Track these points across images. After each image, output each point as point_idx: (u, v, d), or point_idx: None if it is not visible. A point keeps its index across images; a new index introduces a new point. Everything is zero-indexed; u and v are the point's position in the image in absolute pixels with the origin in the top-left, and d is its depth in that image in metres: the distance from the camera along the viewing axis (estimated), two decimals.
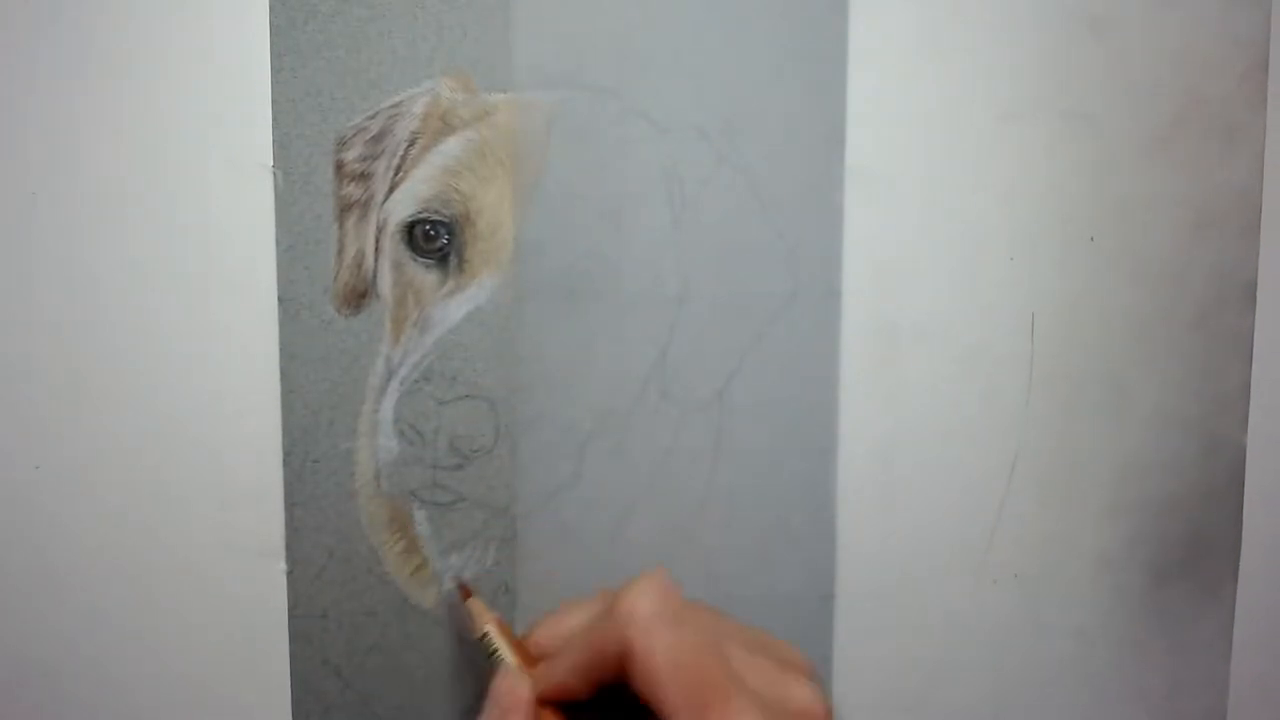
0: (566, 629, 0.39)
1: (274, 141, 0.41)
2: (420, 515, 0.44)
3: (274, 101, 0.41)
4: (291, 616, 0.43)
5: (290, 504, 0.43)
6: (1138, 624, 0.50)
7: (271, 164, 0.41)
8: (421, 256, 0.43)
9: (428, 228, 0.43)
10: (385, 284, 0.43)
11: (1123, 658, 0.50)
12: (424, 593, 0.44)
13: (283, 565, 0.43)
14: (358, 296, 0.42)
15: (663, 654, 0.34)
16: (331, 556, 0.43)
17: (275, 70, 0.41)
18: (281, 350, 0.42)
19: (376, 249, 0.42)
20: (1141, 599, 0.50)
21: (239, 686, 0.43)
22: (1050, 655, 0.49)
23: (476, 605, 0.42)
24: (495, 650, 0.40)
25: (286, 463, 0.42)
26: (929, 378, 0.47)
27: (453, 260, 0.43)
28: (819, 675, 0.39)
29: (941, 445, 0.48)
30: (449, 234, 0.43)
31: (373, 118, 0.42)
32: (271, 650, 0.43)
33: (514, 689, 0.38)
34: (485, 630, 0.40)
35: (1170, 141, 0.48)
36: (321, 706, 0.43)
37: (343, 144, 0.42)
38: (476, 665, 0.43)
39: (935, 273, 0.47)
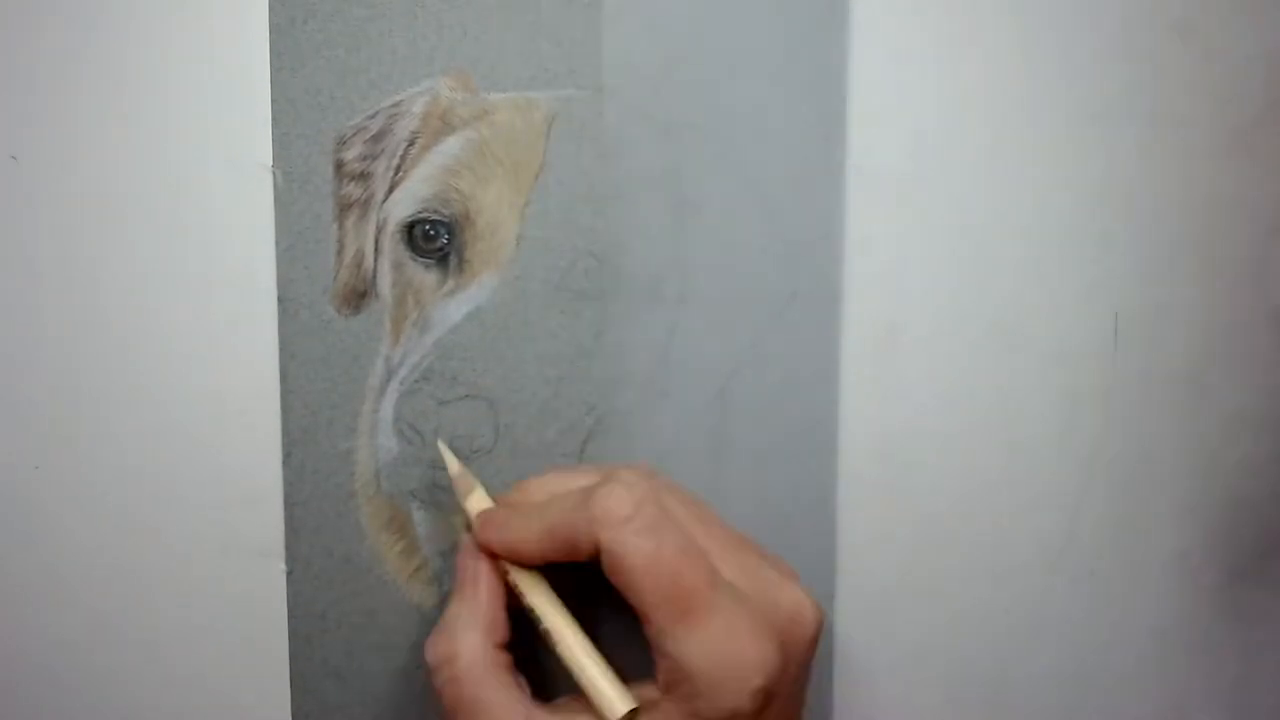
0: (546, 495, 0.39)
1: (273, 141, 0.41)
2: (420, 515, 0.43)
3: (273, 101, 0.41)
4: (291, 617, 0.43)
5: (289, 504, 0.43)
6: (1211, 622, 0.50)
7: (271, 164, 0.41)
8: (421, 256, 0.43)
9: (427, 227, 0.42)
10: (385, 284, 0.42)
11: (1196, 656, 0.50)
12: (424, 593, 0.44)
13: (282, 566, 0.43)
14: (357, 296, 0.42)
15: (637, 558, 0.34)
16: (331, 557, 0.43)
17: (275, 70, 0.41)
18: (281, 350, 0.42)
19: (376, 249, 0.42)
20: (1215, 597, 0.50)
21: (238, 687, 0.43)
22: (1124, 651, 0.49)
23: (451, 460, 0.42)
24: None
25: (286, 463, 0.42)
26: (931, 377, 0.47)
27: (452, 260, 0.43)
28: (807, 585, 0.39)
29: (953, 443, 0.47)
30: (449, 233, 0.43)
31: (372, 117, 0.42)
32: (271, 651, 0.43)
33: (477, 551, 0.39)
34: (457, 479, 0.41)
35: (1251, 143, 0.48)
36: (321, 707, 0.43)
37: (342, 143, 0.42)
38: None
39: (1003, 274, 0.47)
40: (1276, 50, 0.47)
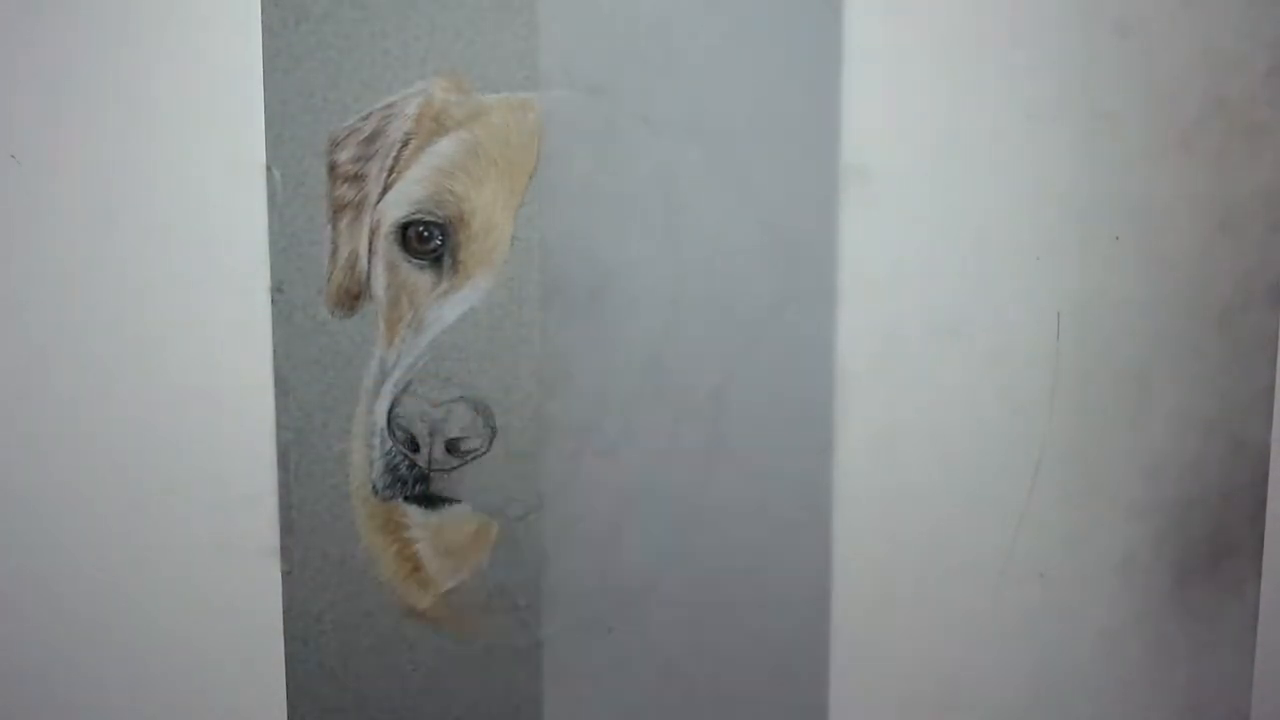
0: None
1: (267, 143, 0.41)
2: (415, 518, 0.43)
3: (266, 103, 0.41)
4: (287, 618, 0.43)
5: (285, 506, 0.43)
6: (1162, 623, 0.50)
7: (265, 165, 0.41)
8: (415, 257, 0.43)
9: (421, 229, 0.42)
10: (379, 285, 0.42)
11: (1147, 657, 0.50)
12: (419, 595, 0.44)
13: (279, 567, 0.43)
14: (351, 298, 0.42)
15: None
16: (326, 558, 0.43)
17: (268, 72, 0.41)
18: (275, 352, 0.42)
19: (370, 250, 0.42)
20: (1166, 598, 0.49)
21: (235, 688, 0.43)
22: (1075, 654, 0.49)
23: None
24: None
25: (281, 465, 0.42)
26: (931, 378, 0.47)
27: (446, 261, 0.43)
28: None
29: (947, 444, 0.47)
30: (443, 235, 0.43)
31: (366, 119, 0.42)
32: (267, 652, 0.43)
33: None
34: None
35: (1194, 141, 0.47)
36: (317, 708, 0.43)
37: (336, 145, 0.42)
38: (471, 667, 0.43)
39: (948, 274, 0.46)
40: (1216, 49, 0.47)
